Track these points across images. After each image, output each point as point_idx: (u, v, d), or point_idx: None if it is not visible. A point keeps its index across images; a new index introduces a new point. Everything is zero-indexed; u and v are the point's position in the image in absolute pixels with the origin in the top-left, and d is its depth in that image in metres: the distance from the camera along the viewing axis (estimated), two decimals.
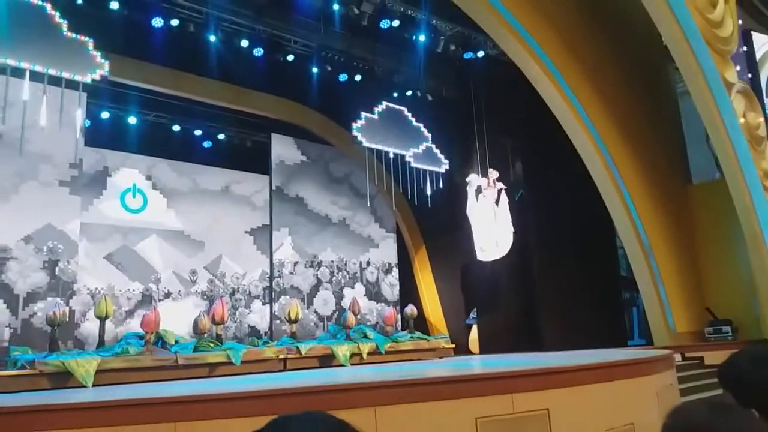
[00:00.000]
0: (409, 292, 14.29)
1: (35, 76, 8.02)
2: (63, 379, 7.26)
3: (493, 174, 11.58)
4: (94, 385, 7.29)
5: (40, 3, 8.16)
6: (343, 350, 9.83)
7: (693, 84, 9.82)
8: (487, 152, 12.40)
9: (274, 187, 12.92)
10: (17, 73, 7.95)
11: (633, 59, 11.61)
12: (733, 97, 10.05)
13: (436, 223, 13.89)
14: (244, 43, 10.87)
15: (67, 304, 9.34)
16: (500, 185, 11.63)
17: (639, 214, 10.90)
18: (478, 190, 11.61)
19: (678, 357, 8.99)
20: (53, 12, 8.24)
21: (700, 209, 11.95)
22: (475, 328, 13.00)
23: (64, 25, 8.25)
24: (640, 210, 10.92)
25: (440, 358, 11.12)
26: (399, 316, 12.75)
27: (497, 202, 11.61)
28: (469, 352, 12.76)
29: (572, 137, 10.79)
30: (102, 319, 8.45)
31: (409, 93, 13.09)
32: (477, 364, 8.04)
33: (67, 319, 8.63)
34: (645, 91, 11.77)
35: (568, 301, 11.91)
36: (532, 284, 12.48)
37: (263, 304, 12.65)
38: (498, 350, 11.39)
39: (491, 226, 11.45)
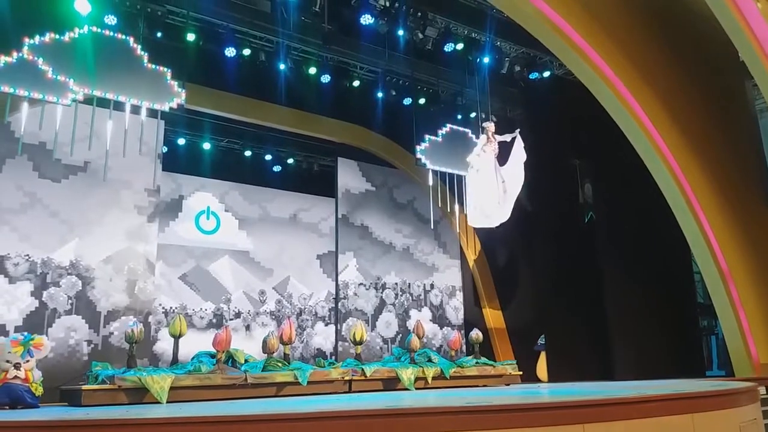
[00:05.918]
0: (474, 316, 14.11)
1: (117, 106, 8.54)
2: (139, 394, 7.56)
3: (490, 127, 9.85)
4: (167, 402, 7.55)
5: (123, 37, 8.72)
6: (407, 374, 9.79)
7: None
8: (555, 173, 12.17)
9: (340, 216, 13.31)
10: (102, 103, 8.48)
11: (707, 76, 11.16)
12: None
13: (501, 247, 13.70)
14: (312, 71, 11.22)
15: (144, 322, 9.74)
16: (501, 138, 9.90)
17: (716, 237, 10.38)
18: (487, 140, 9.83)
19: (762, 390, 8.45)
20: (135, 45, 8.80)
21: None
22: (543, 355, 12.65)
23: (145, 57, 8.79)
24: (717, 233, 10.40)
25: (507, 385, 10.88)
26: (464, 341, 12.61)
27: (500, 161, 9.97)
28: (538, 380, 12.42)
29: (644, 158, 10.46)
30: (176, 338, 8.74)
31: (473, 115, 13.06)
32: (546, 392, 7.82)
33: (143, 337, 8.98)
34: (721, 109, 11.28)
35: (641, 328, 11.42)
36: (603, 310, 12.05)
37: (325, 324, 12.86)
38: (568, 378, 11.03)
39: (486, 191, 9.80)
